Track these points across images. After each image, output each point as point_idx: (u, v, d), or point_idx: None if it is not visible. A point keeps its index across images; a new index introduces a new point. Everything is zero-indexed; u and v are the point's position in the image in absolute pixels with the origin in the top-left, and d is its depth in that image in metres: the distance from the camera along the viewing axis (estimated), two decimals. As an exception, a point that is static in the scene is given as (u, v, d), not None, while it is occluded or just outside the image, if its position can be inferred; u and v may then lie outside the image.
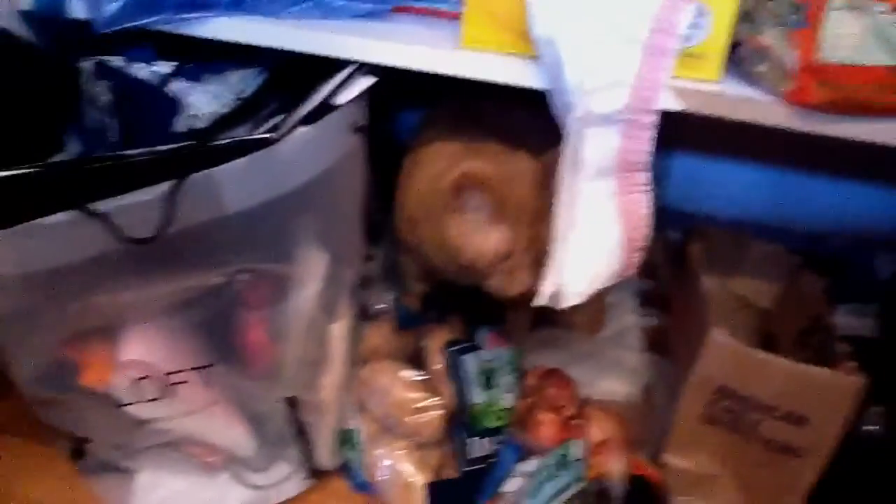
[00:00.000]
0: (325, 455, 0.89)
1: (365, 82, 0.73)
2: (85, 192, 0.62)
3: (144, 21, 0.68)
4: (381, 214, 0.99)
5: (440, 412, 0.87)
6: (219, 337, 0.77)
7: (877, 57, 0.61)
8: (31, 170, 0.63)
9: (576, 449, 0.85)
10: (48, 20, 0.74)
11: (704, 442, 0.86)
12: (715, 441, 0.85)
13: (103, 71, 0.76)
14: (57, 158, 0.78)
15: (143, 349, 0.76)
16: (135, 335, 0.76)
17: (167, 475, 0.87)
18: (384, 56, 0.71)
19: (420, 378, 0.89)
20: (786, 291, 1.00)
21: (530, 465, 0.87)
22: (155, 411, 0.78)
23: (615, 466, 0.86)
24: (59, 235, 0.63)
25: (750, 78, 0.69)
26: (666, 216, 1.09)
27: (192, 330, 0.76)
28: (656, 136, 0.67)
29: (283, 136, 0.66)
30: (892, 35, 0.59)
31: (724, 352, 0.81)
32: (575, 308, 0.71)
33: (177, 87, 0.75)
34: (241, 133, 0.70)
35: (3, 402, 0.91)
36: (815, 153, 0.94)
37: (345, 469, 0.91)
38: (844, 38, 0.60)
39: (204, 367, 0.77)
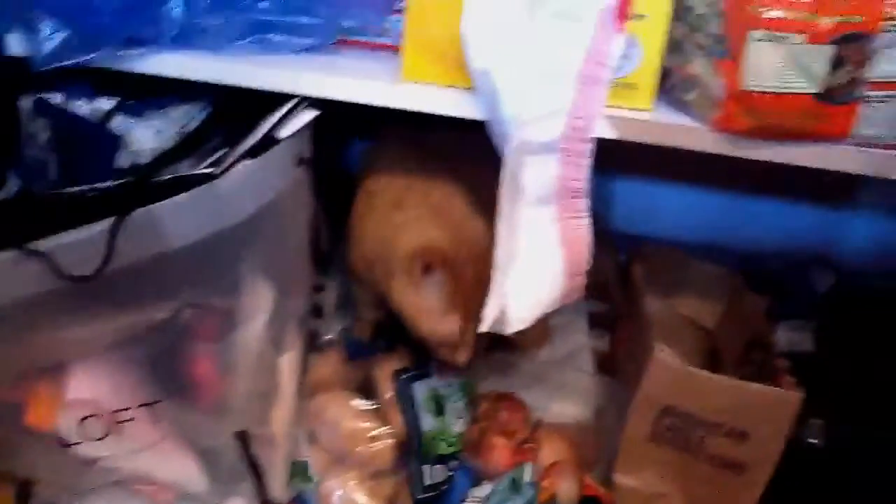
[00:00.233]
0: (278, 488, 0.88)
1: (308, 115, 0.73)
2: (24, 230, 0.62)
3: (84, 58, 0.67)
4: (332, 245, 1.00)
5: (392, 441, 0.87)
6: (166, 372, 0.76)
7: (797, 85, 0.64)
8: (-32, 209, 0.62)
9: (528, 472, 0.86)
10: (-16, 58, 0.73)
11: (652, 461, 0.87)
12: (662, 459, 0.87)
13: (42, 108, 0.75)
14: (-5, 197, 0.77)
15: (88, 387, 0.74)
16: (80, 373, 0.74)
17: (117, 515, 0.85)
18: (325, 90, 0.72)
19: (370, 407, 0.89)
20: (728, 310, 1.02)
21: (484, 489, 0.88)
22: (103, 450, 0.77)
23: (567, 488, 0.87)
24: (-2, 274, 0.63)
25: (681, 105, 0.72)
26: (613, 239, 1.13)
27: (139, 366, 0.75)
28: (594, 162, 0.69)
29: (226, 170, 0.66)
30: (809, 64, 0.62)
31: (667, 372, 0.83)
32: None
33: (119, 123, 0.75)
34: (184, 168, 0.70)
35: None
36: (752, 176, 0.97)
37: (298, 501, 0.90)
38: (765, 68, 0.63)
39: (151, 403, 0.76)
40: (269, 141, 0.70)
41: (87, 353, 0.73)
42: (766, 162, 0.69)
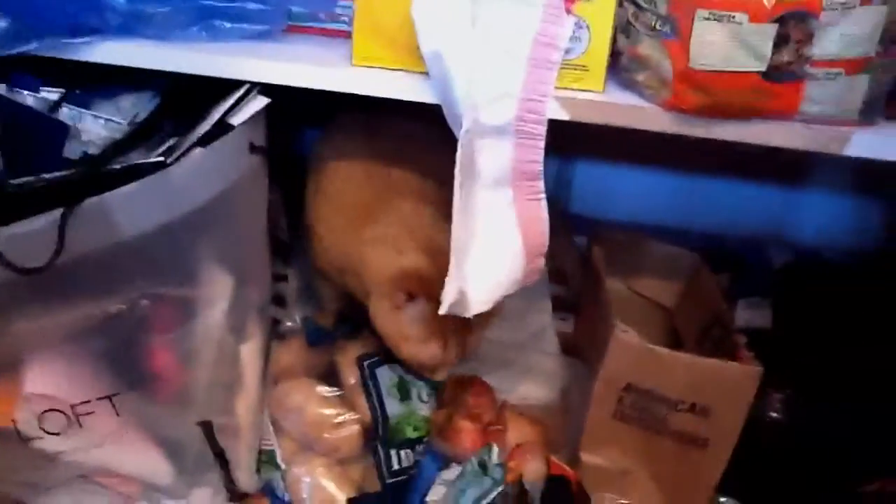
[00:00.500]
0: (246, 477, 0.88)
1: (259, 103, 0.73)
2: (-30, 223, 0.61)
3: (27, 47, 0.66)
4: (291, 234, 0.99)
5: (357, 427, 0.88)
6: (125, 364, 0.75)
7: (744, 63, 0.64)
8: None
9: (495, 454, 0.86)
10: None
11: (616, 438, 0.88)
12: (626, 437, 0.88)
13: (-14, 98, 0.74)
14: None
15: (46, 381, 0.74)
16: (37, 367, 0.74)
17: (83, 509, 0.85)
18: (275, 76, 0.71)
19: (335, 394, 0.89)
20: (687, 290, 1.03)
21: (452, 472, 0.88)
22: (63, 444, 0.76)
23: (533, 468, 0.87)
24: (-55, 269, 0.62)
25: (632, 86, 0.73)
26: (572, 223, 1.13)
27: (98, 358, 0.74)
28: (551, 147, 0.69)
29: (177, 158, 0.66)
30: (754, 43, 0.63)
31: (628, 350, 0.84)
32: None
33: (67, 112, 0.74)
34: (135, 157, 0.69)
35: None
36: (708, 157, 0.98)
37: (267, 489, 0.90)
38: (712, 47, 0.64)
39: (111, 395, 0.75)
40: (220, 128, 0.70)
41: (43, 346, 0.72)
42: (721, 141, 0.70)
